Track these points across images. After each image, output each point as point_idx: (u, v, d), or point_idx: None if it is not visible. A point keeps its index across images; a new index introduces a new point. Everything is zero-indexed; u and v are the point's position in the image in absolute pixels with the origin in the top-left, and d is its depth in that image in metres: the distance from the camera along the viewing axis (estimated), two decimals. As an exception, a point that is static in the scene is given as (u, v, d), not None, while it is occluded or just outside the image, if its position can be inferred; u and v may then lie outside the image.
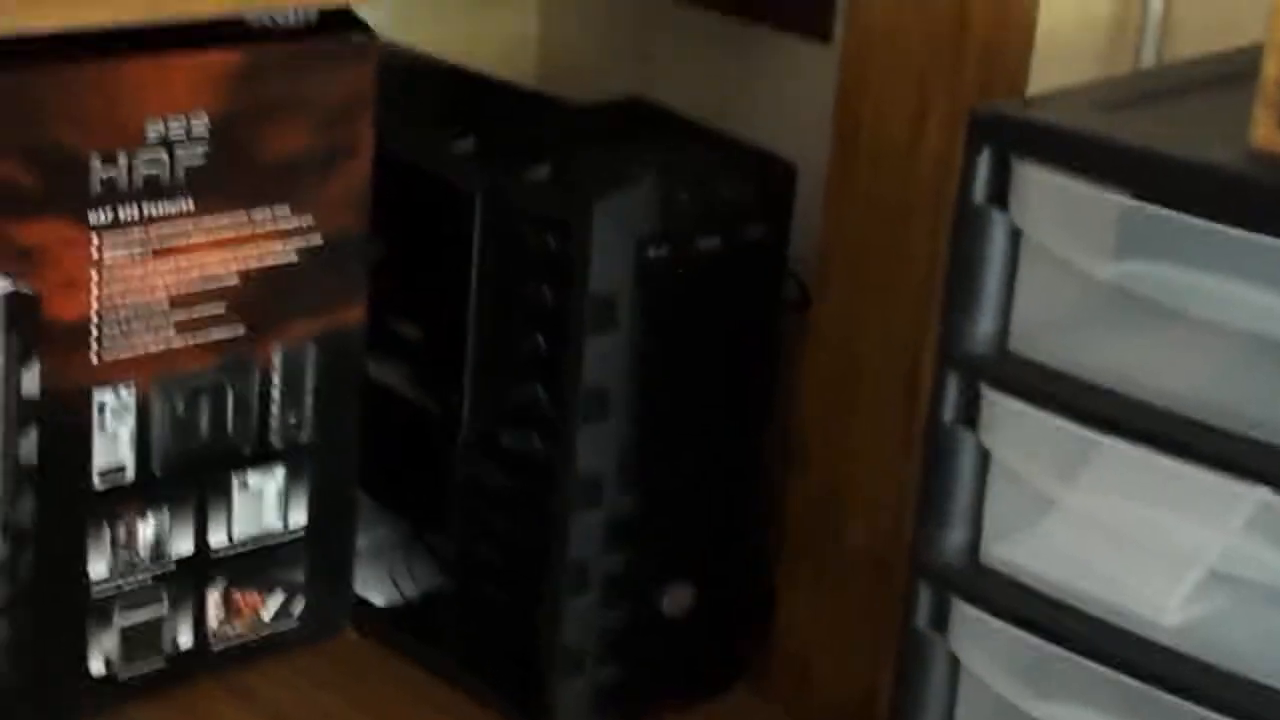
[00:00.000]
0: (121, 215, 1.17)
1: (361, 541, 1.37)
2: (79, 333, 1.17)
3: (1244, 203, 0.90)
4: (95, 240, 1.16)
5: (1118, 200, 0.95)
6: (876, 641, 1.25)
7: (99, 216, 1.16)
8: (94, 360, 1.18)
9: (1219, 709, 0.94)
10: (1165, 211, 0.93)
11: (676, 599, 1.29)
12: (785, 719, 1.31)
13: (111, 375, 1.19)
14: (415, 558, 1.41)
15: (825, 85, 1.25)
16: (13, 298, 1.13)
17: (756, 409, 1.30)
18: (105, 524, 1.22)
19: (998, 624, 1.02)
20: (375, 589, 1.39)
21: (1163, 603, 0.97)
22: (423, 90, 1.41)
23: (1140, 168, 0.94)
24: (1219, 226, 0.91)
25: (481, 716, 1.29)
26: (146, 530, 1.23)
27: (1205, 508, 0.95)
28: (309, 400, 1.28)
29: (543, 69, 1.63)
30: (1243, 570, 0.95)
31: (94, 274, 1.17)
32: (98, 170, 1.15)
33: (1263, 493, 0.92)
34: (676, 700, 1.31)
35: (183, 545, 1.25)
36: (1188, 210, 0.92)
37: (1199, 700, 0.95)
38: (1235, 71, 1.01)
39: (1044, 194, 0.98)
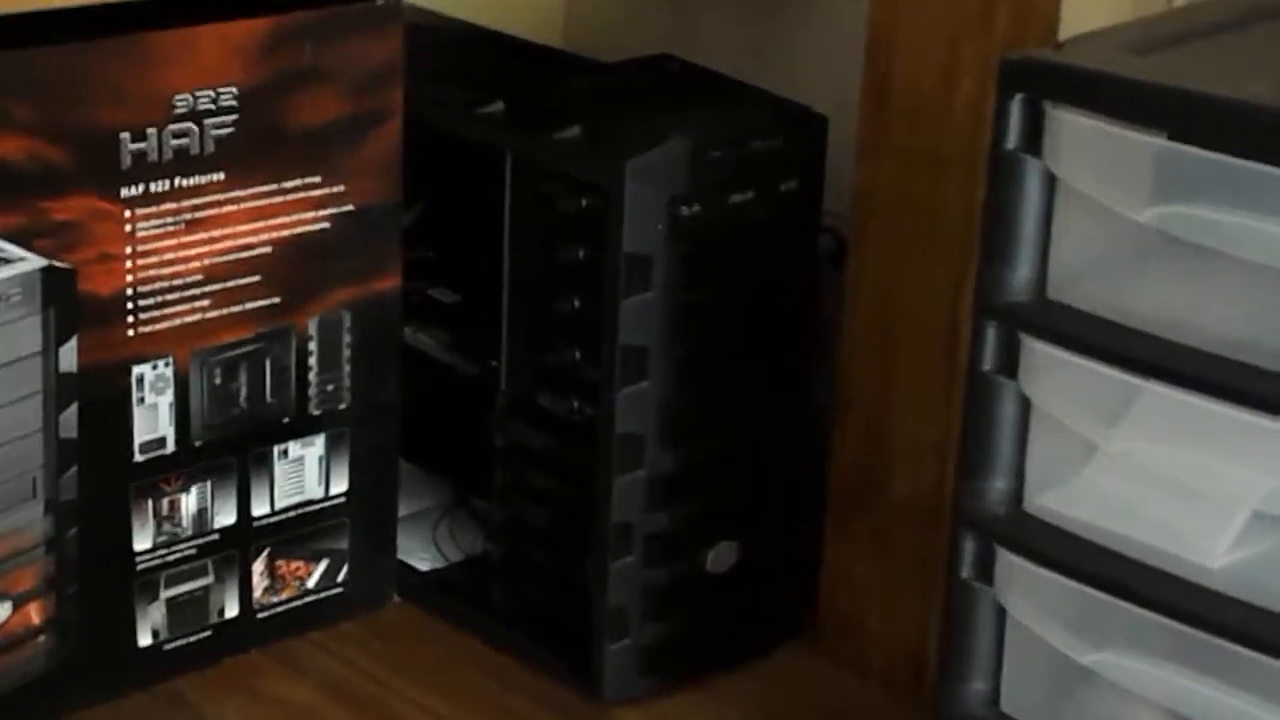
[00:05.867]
0: (153, 188, 1.17)
1: (405, 508, 1.38)
2: (115, 306, 1.18)
3: (1281, 140, 0.89)
4: (128, 214, 1.16)
5: (1153, 142, 0.94)
6: (925, 594, 1.24)
7: (130, 190, 1.16)
8: (131, 333, 1.19)
9: (1269, 651, 0.93)
10: (1202, 152, 0.92)
11: (722, 557, 1.29)
12: (835, 674, 1.31)
13: (149, 348, 1.20)
14: (459, 523, 1.41)
15: (857, 36, 1.24)
16: (49, 273, 1.14)
17: (796, 364, 1.30)
18: (148, 496, 1.22)
19: (1044, 573, 1.01)
20: (419, 555, 1.39)
21: (1210, 546, 0.96)
22: (450, 54, 1.40)
23: (1175, 108, 0.93)
24: (1257, 165, 0.90)
25: (529, 680, 1.29)
26: (189, 501, 1.24)
27: (1250, 450, 0.94)
28: (347, 367, 1.29)
29: (570, 28, 1.62)
30: (1289, 512, 0.94)
31: (128, 248, 1.17)
32: (128, 144, 1.15)
33: (1308, 433, 0.92)
34: (725, 659, 1.31)
35: (226, 515, 1.26)
36: (1225, 150, 0.91)
37: (1249, 643, 0.94)
38: (1269, 7, 1.00)
39: (1078, 139, 0.97)
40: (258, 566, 1.28)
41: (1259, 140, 0.90)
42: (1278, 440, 0.92)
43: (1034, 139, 0.99)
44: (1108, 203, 0.97)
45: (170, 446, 1.22)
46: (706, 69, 1.33)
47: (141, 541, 1.22)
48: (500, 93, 1.28)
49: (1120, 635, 0.99)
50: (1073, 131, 0.97)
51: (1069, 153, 0.98)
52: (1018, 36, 1.14)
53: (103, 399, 1.18)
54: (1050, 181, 0.99)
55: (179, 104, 1.16)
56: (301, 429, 1.28)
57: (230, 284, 1.22)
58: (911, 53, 1.19)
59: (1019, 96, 0.98)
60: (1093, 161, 0.97)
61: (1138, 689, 0.99)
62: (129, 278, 1.18)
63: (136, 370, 1.19)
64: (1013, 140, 0.99)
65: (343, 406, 1.29)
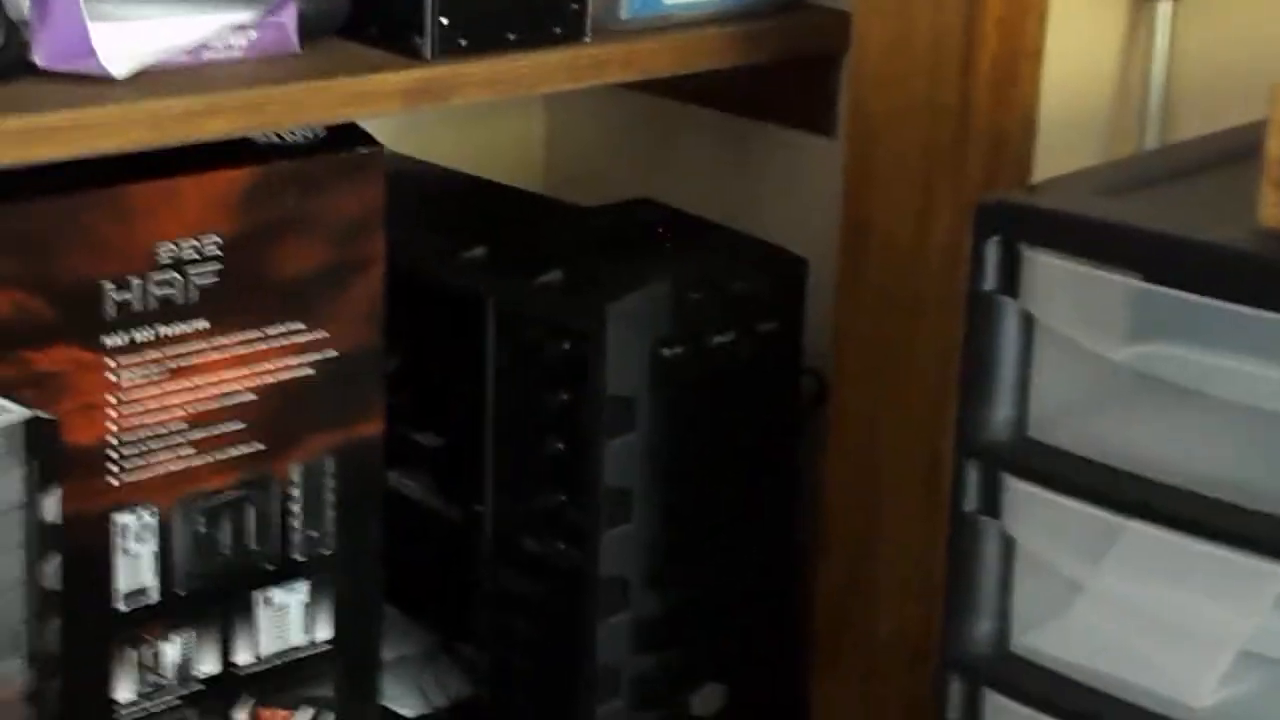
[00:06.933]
0: (136, 338, 1.17)
1: (389, 653, 1.37)
2: (98, 456, 1.17)
3: (1254, 281, 0.90)
4: (111, 364, 1.17)
5: (1128, 283, 0.95)
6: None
7: (114, 340, 1.16)
8: (114, 483, 1.18)
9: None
10: (1176, 292, 0.93)
11: (708, 699, 1.28)
12: (823, 816, 1.30)
13: (132, 497, 1.19)
14: (444, 668, 1.40)
15: (833, 179, 1.26)
16: (33, 424, 1.13)
17: (779, 504, 1.30)
18: (130, 646, 1.21)
19: (1029, 713, 1.01)
20: (405, 701, 1.38)
21: (1195, 685, 0.96)
22: (432, 200, 1.41)
23: (1149, 250, 0.94)
24: (1230, 305, 0.91)
25: (516, 826, 1.28)
26: (172, 651, 1.23)
27: (1234, 587, 0.94)
28: (330, 514, 1.28)
29: (550, 172, 1.64)
30: (1274, 650, 0.94)
31: (111, 397, 1.17)
32: (111, 295, 1.15)
33: (1290, 571, 0.92)
34: (713, 802, 1.30)
35: (209, 665, 1.25)
36: (1198, 290, 0.92)
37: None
38: (1238, 151, 1.01)
39: (1054, 280, 0.98)
40: (241, 716, 1.27)
41: (1231, 281, 0.91)
42: (1261, 578, 0.92)
43: (1010, 280, 1.00)
44: (1085, 343, 0.98)
45: (153, 595, 1.21)
46: (685, 212, 1.34)
47: (124, 692, 1.21)
48: (481, 239, 1.29)
49: (1110, 775, 0.99)
50: (1048, 273, 0.98)
51: (1045, 293, 0.99)
52: (991, 178, 1.15)
53: (85, 549, 1.18)
54: (1027, 322, 1.00)
55: (162, 253, 1.17)
56: (285, 576, 1.27)
57: (213, 431, 1.22)
58: (887, 192, 1.21)
59: (994, 238, 1.00)
60: (1069, 302, 0.98)
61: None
62: (112, 427, 1.17)
63: (119, 519, 1.19)
64: (989, 281, 1.00)
65: (326, 553, 1.29)
